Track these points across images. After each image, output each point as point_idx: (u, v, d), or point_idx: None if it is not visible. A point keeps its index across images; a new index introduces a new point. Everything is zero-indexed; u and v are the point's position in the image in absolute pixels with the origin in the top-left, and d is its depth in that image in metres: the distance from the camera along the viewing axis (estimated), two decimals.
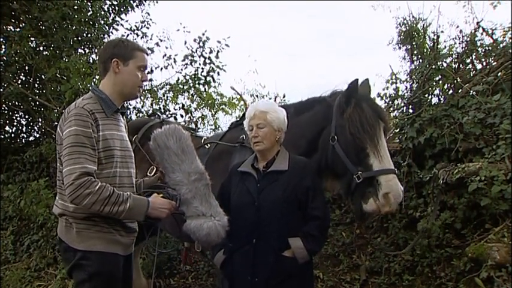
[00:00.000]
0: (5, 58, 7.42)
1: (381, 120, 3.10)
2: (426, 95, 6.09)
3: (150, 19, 8.36)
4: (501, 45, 5.93)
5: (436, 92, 6.18)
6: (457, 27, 6.44)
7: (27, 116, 8.54)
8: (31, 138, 8.68)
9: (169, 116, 7.81)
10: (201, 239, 2.58)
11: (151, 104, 7.89)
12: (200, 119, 7.84)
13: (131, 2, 8.47)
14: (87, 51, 7.93)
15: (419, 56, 6.67)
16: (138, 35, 8.23)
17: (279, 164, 2.92)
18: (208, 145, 3.80)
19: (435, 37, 6.50)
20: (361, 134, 3.01)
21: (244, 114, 3.54)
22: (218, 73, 7.81)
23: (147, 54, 2.72)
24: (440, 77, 5.96)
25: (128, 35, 8.14)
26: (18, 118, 8.66)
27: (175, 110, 7.80)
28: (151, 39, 8.19)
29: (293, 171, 2.88)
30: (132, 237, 2.69)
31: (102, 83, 2.65)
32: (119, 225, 2.56)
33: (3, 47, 7.66)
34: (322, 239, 2.95)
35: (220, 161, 3.55)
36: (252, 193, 2.88)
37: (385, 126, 3.13)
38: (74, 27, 7.53)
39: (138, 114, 7.67)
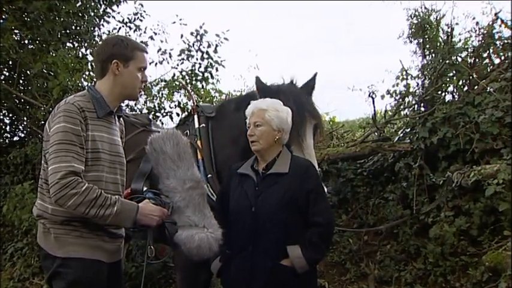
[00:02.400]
0: None
1: (312, 117, 3.21)
2: (439, 92, 6.14)
3: (144, 11, 8.35)
4: None
5: (450, 88, 6.22)
6: (473, 18, 6.46)
7: (11, 115, 8.52)
8: (15, 138, 8.68)
9: (164, 114, 7.82)
10: (191, 251, 2.56)
11: (145, 102, 7.90)
12: None
13: None
14: (76, 45, 7.93)
15: (432, 50, 6.66)
16: (130, 28, 8.23)
17: (279, 166, 2.91)
18: None
19: (449, 30, 6.51)
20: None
21: (190, 112, 3.76)
22: (217, 69, 7.80)
23: (147, 53, 2.72)
24: (454, 72, 5.97)
25: (119, 28, 8.14)
26: (1, 117, 8.62)
27: (171, 108, 7.79)
28: (145, 32, 8.20)
29: (294, 173, 2.86)
30: (118, 243, 2.67)
31: (100, 83, 2.65)
32: (101, 230, 2.53)
33: None
34: (324, 247, 2.92)
35: None
36: (249, 197, 2.87)
37: (317, 123, 3.25)
38: (61, 19, 7.52)
39: (131, 112, 7.68)
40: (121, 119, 2.85)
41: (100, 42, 7.45)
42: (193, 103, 3.85)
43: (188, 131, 3.63)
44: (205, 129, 3.61)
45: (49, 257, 2.48)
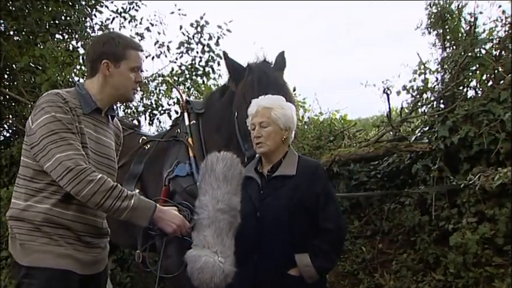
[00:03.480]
0: None
1: (275, 90, 3.19)
2: (461, 88, 6.09)
3: (140, 0, 8.33)
4: None
5: (473, 83, 6.15)
6: (499, 7, 6.35)
7: None
8: (0, 138, 8.68)
9: (162, 112, 7.81)
10: (192, 273, 2.56)
11: (142, 99, 7.89)
12: None
13: None
14: (66, 36, 7.87)
15: (453, 42, 6.60)
16: (125, 19, 8.17)
17: (285, 168, 2.91)
18: (148, 145, 3.94)
19: (472, 19, 6.43)
20: (244, 107, 3.13)
21: (182, 112, 3.85)
22: (218, 63, 7.79)
23: (142, 51, 2.71)
24: (477, 66, 5.91)
25: (113, 19, 8.10)
26: None
27: (169, 105, 7.80)
28: (140, 23, 8.15)
29: (301, 175, 2.86)
30: (95, 254, 2.61)
31: (89, 81, 2.65)
32: (73, 238, 2.49)
33: None
34: (334, 255, 2.90)
35: (157, 161, 3.72)
36: (253, 201, 2.87)
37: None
38: (50, 9, 7.45)
39: (126, 111, 7.68)
40: (116, 120, 2.85)
41: (92, 36, 7.49)
42: (183, 100, 3.90)
43: (179, 130, 3.76)
44: (195, 126, 3.68)
45: (16, 265, 2.45)
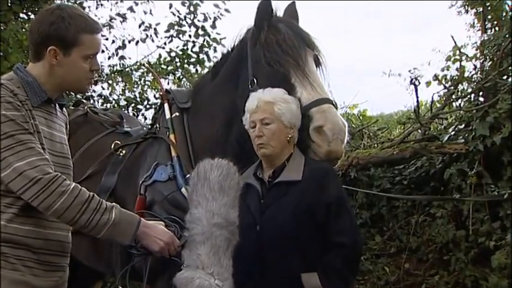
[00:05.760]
0: None
1: (307, 46, 3.17)
2: (504, 77, 6.04)
3: None
4: None
5: None
6: None
7: None
8: None
9: (148, 106, 7.79)
10: None
11: (124, 91, 7.89)
12: None
13: None
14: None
15: (495, 23, 6.59)
16: None
17: (289, 172, 2.88)
18: (123, 151, 3.79)
19: None
20: (281, 58, 3.08)
21: (161, 104, 3.70)
22: (215, 49, 7.83)
23: (99, 33, 2.64)
24: None
25: None
26: None
27: (156, 98, 7.80)
28: (121, 1, 8.13)
29: (309, 181, 2.83)
30: (55, 278, 2.58)
31: (33, 66, 2.57)
32: (33, 260, 2.46)
33: None
34: (349, 275, 2.84)
35: (134, 170, 3.55)
36: (252, 213, 2.86)
37: (316, 54, 3.21)
38: None
39: (104, 104, 7.66)
40: (64, 108, 2.80)
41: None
42: (162, 89, 3.82)
43: (158, 125, 3.64)
44: (179, 119, 3.56)
45: None
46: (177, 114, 3.56)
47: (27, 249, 2.41)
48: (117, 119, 4.07)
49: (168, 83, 7.96)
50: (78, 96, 5.64)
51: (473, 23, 6.87)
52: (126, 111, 7.47)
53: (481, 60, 6.36)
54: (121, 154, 3.75)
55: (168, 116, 3.57)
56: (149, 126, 4.04)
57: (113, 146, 3.80)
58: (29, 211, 2.37)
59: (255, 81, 3.14)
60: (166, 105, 3.62)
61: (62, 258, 2.61)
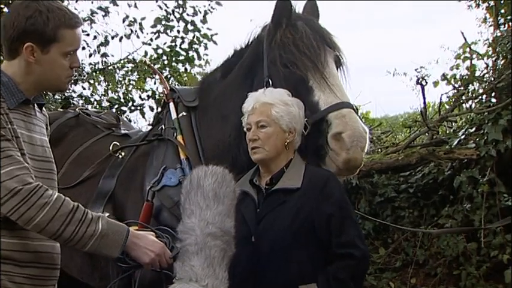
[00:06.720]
0: None
1: (327, 46, 3.18)
2: None
3: None
4: None
5: None
6: None
7: None
8: None
9: (132, 108, 7.77)
10: None
11: (106, 91, 7.87)
12: None
13: None
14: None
15: (509, 18, 6.58)
16: None
17: (288, 180, 2.88)
18: (123, 153, 3.79)
19: None
20: (298, 59, 3.08)
21: (165, 103, 3.72)
22: (206, 46, 7.85)
23: (79, 27, 2.62)
24: None
25: None
26: None
27: (142, 99, 7.87)
28: None
29: (309, 189, 2.82)
30: None
31: (7, 64, 2.57)
32: (21, 276, 2.44)
33: None
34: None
35: (136, 173, 3.58)
36: (248, 223, 2.86)
37: (337, 55, 3.23)
38: None
39: (85, 106, 7.65)
40: (43, 109, 2.79)
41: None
42: (167, 88, 3.83)
43: (163, 126, 3.61)
44: (186, 119, 3.56)
45: None
46: (184, 113, 3.56)
47: (14, 264, 2.39)
48: (114, 121, 4.07)
49: (155, 83, 7.97)
50: (57, 96, 5.63)
51: (485, 18, 6.89)
52: None
53: (494, 59, 6.39)
54: (120, 156, 3.74)
55: (174, 116, 3.57)
56: (149, 128, 4.04)
57: (111, 148, 3.78)
58: (13, 222, 2.33)
59: (270, 82, 3.16)
60: (171, 105, 3.62)
61: (52, 271, 2.60)
